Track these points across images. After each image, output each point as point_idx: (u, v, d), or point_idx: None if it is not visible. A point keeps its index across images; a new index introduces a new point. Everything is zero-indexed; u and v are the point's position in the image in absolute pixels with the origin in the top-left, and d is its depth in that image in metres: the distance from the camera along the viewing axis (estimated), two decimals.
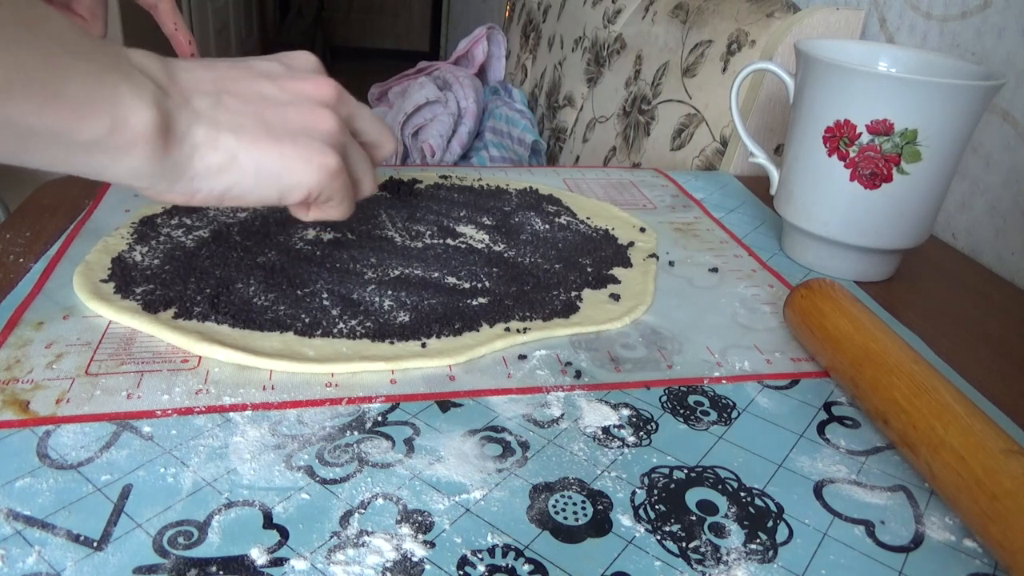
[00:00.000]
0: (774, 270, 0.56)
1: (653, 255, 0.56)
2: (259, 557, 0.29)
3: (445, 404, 0.39)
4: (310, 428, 0.36)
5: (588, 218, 0.62)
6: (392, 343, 0.43)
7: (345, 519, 0.31)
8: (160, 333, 0.42)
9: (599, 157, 1.14)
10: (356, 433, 0.36)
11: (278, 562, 0.29)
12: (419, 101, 1.41)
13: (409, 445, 0.36)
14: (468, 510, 0.32)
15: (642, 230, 0.61)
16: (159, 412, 0.37)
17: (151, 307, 0.44)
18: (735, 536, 0.32)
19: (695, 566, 0.31)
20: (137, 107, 0.33)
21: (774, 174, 0.61)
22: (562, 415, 0.39)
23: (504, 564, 0.30)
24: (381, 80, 1.70)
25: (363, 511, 0.32)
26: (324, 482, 0.33)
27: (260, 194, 0.39)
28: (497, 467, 0.35)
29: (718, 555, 0.31)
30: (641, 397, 0.41)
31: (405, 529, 0.31)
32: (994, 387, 0.44)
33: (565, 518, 0.32)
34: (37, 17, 0.31)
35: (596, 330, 0.46)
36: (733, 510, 0.34)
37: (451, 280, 0.50)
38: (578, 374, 0.42)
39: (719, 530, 0.32)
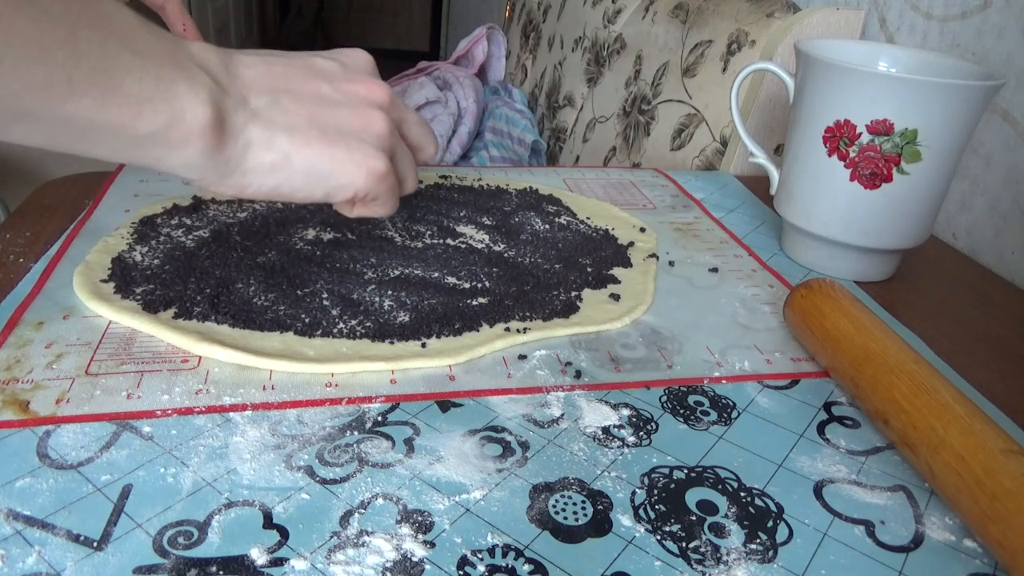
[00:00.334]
0: (774, 270, 0.56)
1: (653, 255, 0.56)
2: (259, 557, 0.29)
3: (445, 404, 0.39)
4: (310, 428, 0.36)
5: (588, 218, 0.62)
6: (392, 343, 0.43)
7: (345, 519, 0.31)
8: (160, 333, 0.42)
9: (599, 157, 1.14)
10: (356, 433, 0.36)
11: (278, 562, 0.29)
12: (419, 101, 1.41)
13: (409, 445, 0.36)
14: (468, 510, 0.32)
15: (642, 230, 0.61)
16: (159, 412, 0.37)
17: (151, 307, 0.44)
18: (735, 536, 0.32)
19: (695, 566, 0.31)
20: (193, 104, 0.34)
21: (774, 174, 0.61)
22: (562, 415, 0.39)
23: (504, 564, 0.30)
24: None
25: (363, 511, 0.32)
26: (324, 482, 0.33)
27: (308, 192, 0.40)
28: (497, 467, 0.35)
29: (718, 555, 0.31)
30: (641, 397, 0.41)
31: (405, 529, 0.31)
32: (994, 387, 0.44)
33: (565, 518, 0.32)
34: (103, 14, 0.32)
35: (596, 330, 0.46)
36: (733, 510, 0.34)
37: (451, 280, 0.50)
38: (578, 374, 0.42)
39: (719, 530, 0.32)
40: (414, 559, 0.30)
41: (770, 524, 0.33)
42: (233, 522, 0.31)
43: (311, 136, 0.39)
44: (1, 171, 1.86)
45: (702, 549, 0.31)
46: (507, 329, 0.45)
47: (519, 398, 0.40)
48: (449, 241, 0.55)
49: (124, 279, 0.46)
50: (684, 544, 0.32)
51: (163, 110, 0.33)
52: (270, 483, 0.33)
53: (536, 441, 0.37)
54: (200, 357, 0.41)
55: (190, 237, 0.52)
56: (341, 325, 0.44)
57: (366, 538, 0.30)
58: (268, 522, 0.31)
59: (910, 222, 0.53)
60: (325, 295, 0.46)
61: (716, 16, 0.94)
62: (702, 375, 0.43)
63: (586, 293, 0.50)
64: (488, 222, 0.59)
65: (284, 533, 0.30)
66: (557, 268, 0.53)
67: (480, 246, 0.55)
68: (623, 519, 0.33)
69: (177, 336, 0.42)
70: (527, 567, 0.30)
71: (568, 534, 0.32)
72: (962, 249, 0.69)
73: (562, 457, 0.36)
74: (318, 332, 0.43)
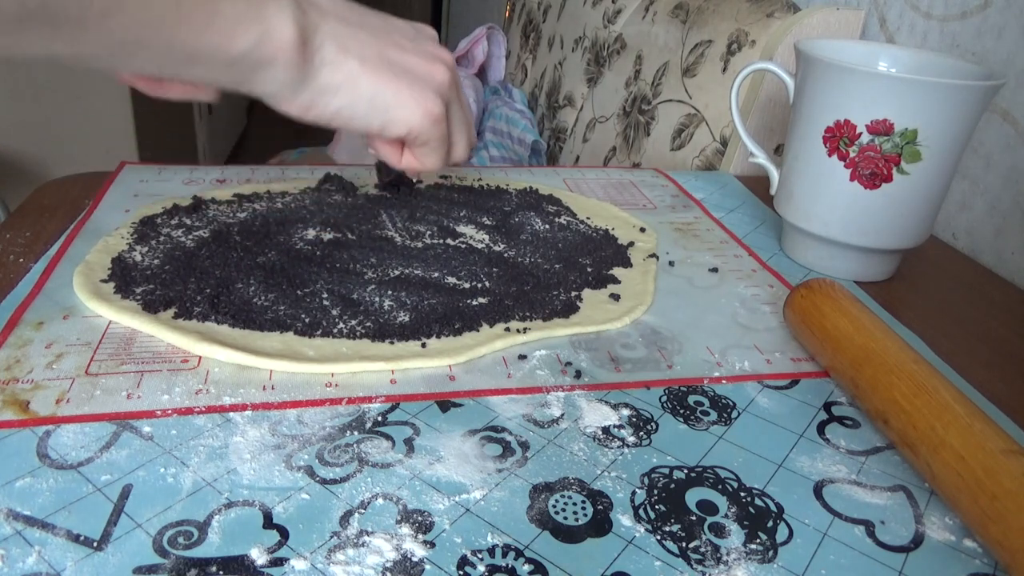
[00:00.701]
0: (774, 270, 0.56)
1: (653, 255, 0.56)
2: (259, 557, 0.29)
3: (445, 404, 0.39)
4: (310, 428, 0.36)
5: (588, 218, 0.62)
6: (392, 343, 0.43)
7: (345, 519, 0.31)
8: (160, 333, 0.42)
9: (599, 157, 1.14)
10: (356, 433, 0.36)
11: (278, 562, 0.29)
12: None
13: (409, 445, 0.36)
14: (468, 510, 0.32)
15: (642, 230, 0.60)
16: (159, 412, 0.37)
17: (151, 307, 0.44)
18: (735, 536, 0.32)
19: (695, 566, 0.31)
20: (280, 23, 0.38)
21: (774, 174, 0.61)
22: (562, 415, 0.39)
23: (504, 564, 0.30)
24: None
25: (363, 511, 0.32)
26: (324, 482, 0.33)
27: (367, 121, 0.43)
28: (497, 467, 0.35)
29: (718, 555, 0.31)
30: (641, 397, 0.41)
31: (405, 529, 0.31)
32: (994, 387, 0.44)
33: (565, 518, 0.32)
34: None
35: (596, 330, 0.46)
36: (733, 510, 0.34)
37: (451, 280, 0.50)
38: (578, 374, 0.42)
39: (719, 530, 0.32)
40: (414, 559, 0.30)
41: (770, 524, 0.33)
42: (233, 522, 0.31)
43: (379, 67, 0.42)
44: (1, 171, 1.86)
45: (702, 549, 0.31)
46: (507, 329, 0.45)
47: (519, 398, 0.40)
48: (449, 241, 0.55)
49: (124, 279, 0.46)
50: (684, 544, 0.32)
51: (254, 30, 0.37)
52: (270, 483, 0.33)
53: (536, 441, 0.37)
54: (200, 357, 0.41)
55: (190, 237, 0.52)
56: (341, 325, 0.44)
57: (366, 538, 0.30)
58: (268, 522, 0.31)
59: (910, 222, 0.53)
60: (325, 295, 0.46)
61: (716, 16, 0.94)
62: (702, 375, 0.43)
63: (586, 293, 0.50)
64: (488, 222, 0.59)
65: (284, 533, 0.30)
66: (557, 268, 0.53)
67: (480, 246, 0.55)
68: (623, 519, 0.33)
69: (177, 336, 0.42)
70: (527, 567, 0.30)
71: (568, 534, 0.32)
72: (962, 249, 0.69)
73: (562, 457, 0.36)
74: (318, 332, 0.43)
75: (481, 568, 0.30)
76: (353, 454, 0.35)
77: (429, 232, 0.56)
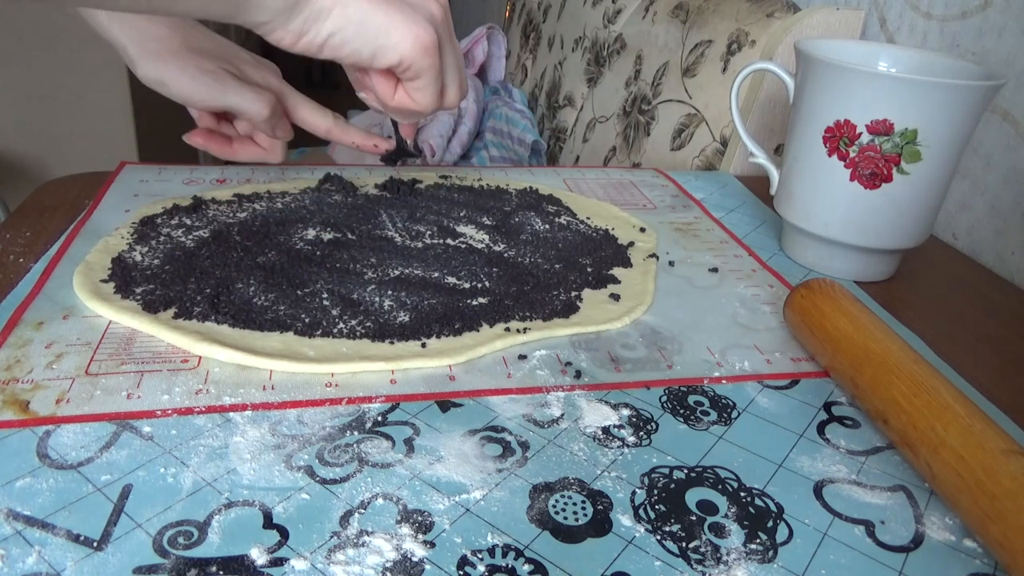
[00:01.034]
0: (774, 270, 0.56)
1: (653, 255, 0.56)
2: (259, 557, 0.29)
3: (445, 404, 0.39)
4: (310, 428, 0.36)
5: (588, 218, 0.62)
6: (392, 343, 0.43)
7: (345, 519, 0.31)
8: (160, 333, 0.42)
9: (599, 157, 1.14)
10: (356, 433, 0.36)
11: (278, 562, 0.29)
12: None
13: (409, 445, 0.36)
14: (468, 510, 0.32)
15: (642, 230, 0.60)
16: (159, 412, 0.37)
17: (151, 307, 0.44)
18: (735, 536, 0.32)
19: (695, 566, 0.31)
20: None
21: (774, 174, 0.61)
22: (562, 415, 0.39)
23: (504, 564, 0.30)
24: None
25: (363, 511, 0.32)
26: (324, 482, 0.33)
27: (357, 47, 0.43)
28: (497, 467, 0.35)
29: (718, 555, 0.31)
30: (641, 397, 0.41)
31: (405, 529, 0.31)
32: (994, 387, 0.44)
33: (565, 518, 0.32)
34: None
35: (596, 330, 0.46)
36: (733, 510, 0.34)
37: (451, 280, 0.50)
38: (578, 374, 0.42)
39: (719, 530, 0.32)
40: (414, 559, 0.30)
41: (770, 524, 0.33)
42: (233, 522, 0.31)
43: None
44: (1, 171, 1.86)
45: (702, 549, 0.31)
46: (507, 329, 0.45)
47: (519, 398, 0.40)
48: (449, 241, 0.55)
49: (124, 279, 0.46)
50: (684, 544, 0.32)
51: None
52: (270, 483, 0.33)
53: (536, 441, 0.37)
54: (200, 357, 0.41)
55: (190, 237, 0.52)
56: (341, 325, 0.44)
57: (366, 538, 0.30)
58: (268, 522, 0.31)
59: (910, 222, 0.53)
60: (325, 295, 0.46)
61: (716, 16, 0.94)
62: (702, 375, 0.43)
63: (586, 293, 0.50)
64: (488, 222, 0.59)
65: (284, 533, 0.30)
66: (557, 268, 0.53)
67: (480, 246, 0.55)
68: (623, 519, 0.33)
69: (177, 336, 0.42)
70: (527, 567, 0.30)
71: (568, 534, 0.32)
72: (962, 249, 0.69)
73: (562, 457, 0.36)
74: (318, 332, 0.43)
75: (481, 568, 0.30)
76: (353, 454, 0.35)
77: (429, 232, 0.56)
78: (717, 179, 0.75)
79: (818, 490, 0.35)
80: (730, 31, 0.90)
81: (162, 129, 2.15)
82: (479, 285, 0.50)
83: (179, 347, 0.41)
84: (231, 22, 0.40)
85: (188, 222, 0.54)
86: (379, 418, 0.37)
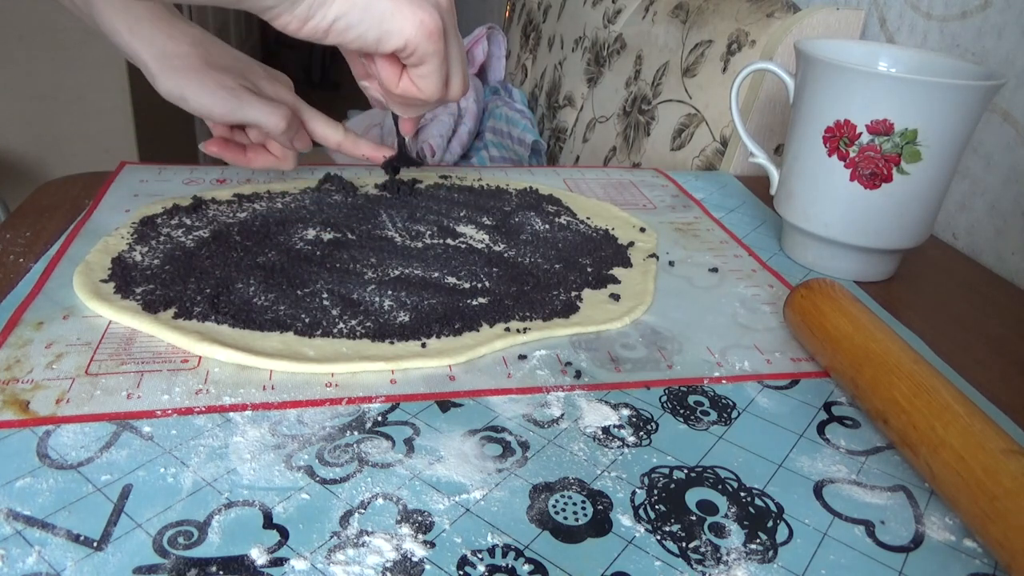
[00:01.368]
0: (774, 270, 0.56)
1: (653, 255, 0.56)
2: (259, 557, 0.29)
3: (445, 404, 0.39)
4: (310, 428, 0.36)
5: (588, 218, 0.62)
6: (392, 343, 0.43)
7: (345, 519, 0.31)
8: (160, 333, 0.42)
9: (599, 157, 1.14)
10: (356, 433, 0.36)
11: (278, 562, 0.29)
12: None
13: (409, 445, 0.36)
14: (468, 510, 0.32)
15: (642, 230, 0.60)
16: (159, 412, 0.37)
17: (151, 307, 0.44)
18: (735, 536, 0.32)
19: (695, 566, 0.31)
20: None
21: (774, 174, 0.61)
22: (562, 415, 0.39)
23: (504, 564, 0.30)
24: None
25: (363, 511, 0.32)
26: (324, 482, 0.33)
27: (362, 31, 0.43)
28: (497, 467, 0.35)
29: (718, 555, 0.31)
30: (641, 397, 0.41)
31: (405, 529, 0.31)
32: (994, 387, 0.44)
33: (565, 518, 0.32)
34: None
35: (596, 330, 0.46)
36: (733, 510, 0.34)
37: (451, 280, 0.50)
38: (578, 374, 0.42)
39: (719, 530, 0.32)
40: (414, 559, 0.30)
41: (770, 524, 0.33)
42: (233, 522, 0.31)
43: None
44: (1, 171, 1.86)
45: (702, 549, 0.31)
46: (507, 329, 0.45)
47: (519, 398, 0.40)
48: (449, 241, 0.55)
49: (124, 279, 0.46)
50: (684, 544, 0.32)
51: None
52: (270, 483, 0.33)
53: (536, 441, 0.37)
54: (200, 357, 0.41)
55: (190, 237, 0.52)
56: (341, 325, 0.44)
57: (366, 538, 0.30)
58: (268, 522, 0.31)
59: (910, 222, 0.53)
60: (325, 295, 0.46)
61: (716, 16, 0.94)
62: (702, 375, 0.43)
63: (586, 293, 0.50)
64: (488, 222, 0.59)
65: (284, 533, 0.30)
66: (557, 268, 0.53)
67: (480, 246, 0.55)
68: (623, 519, 0.33)
69: (177, 336, 0.42)
70: (527, 567, 0.30)
71: (568, 534, 0.32)
72: (962, 249, 0.69)
73: (562, 457, 0.36)
74: (318, 332, 0.43)
75: (481, 568, 0.30)
76: (353, 454, 0.35)
77: (429, 232, 0.56)
78: (717, 179, 0.75)
79: (818, 490, 0.35)
80: (730, 31, 0.90)
81: (162, 129, 2.15)
82: (479, 285, 0.50)
83: (179, 347, 0.41)
84: (238, 8, 0.40)
85: (188, 222, 0.54)
86: (379, 418, 0.37)
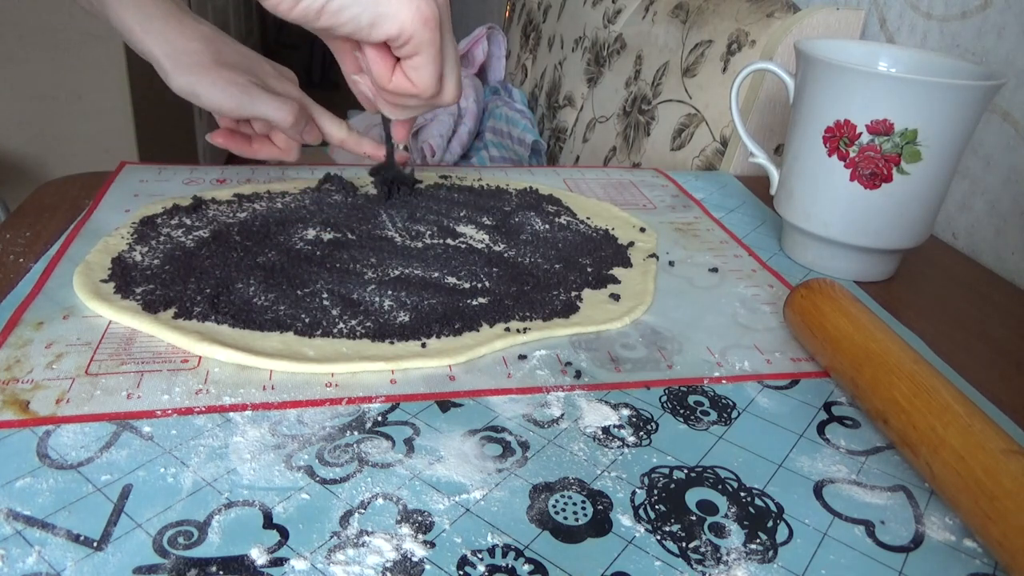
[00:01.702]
0: (774, 270, 0.56)
1: (653, 255, 0.56)
2: (259, 557, 0.29)
3: (445, 404, 0.39)
4: (310, 428, 0.36)
5: (588, 218, 0.62)
6: (392, 343, 0.43)
7: (345, 519, 0.31)
8: (160, 333, 0.42)
9: (599, 157, 1.14)
10: (356, 433, 0.36)
11: (278, 562, 0.29)
12: None
13: (409, 445, 0.36)
14: (468, 510, 0.32)
15: (642, 230, 0.60)
16: (159, 412, 0.37)
17: (151, 307, 0.44)
18: (735, 536, 0.32)
19: (695, 566, 0.31)
20: None
21: (774, 174, 0.61)
22: (562, 415, 0.39)
23: (504, 564, 0.30)
24: None
25: (363, 511, 0.32)
26: (324, 482, 0.33)
27: (356, 13, 0.42)
28: (497, 467, 0.35)
29: (718, 555, 0.31)
30: (641, 397, 0.41)
31: (405, 529, 0.31)
32: (994, 387, 0.44)
33: (565, 518, 0.32)
34: None
35: (596, 330, 0.46)
36: (733, 510, 0.34)
37: (451, 280, 0.50)
38: (578, 374, 0.42)
39: (719, 530, 0.32)
40: (414, 559, 0.30)
41: (770, 524, 0.33)
42: (233, 522, 0.31)
43: None
44: (1, 171, 1.86)
45: (702, 549, 0.31)
46: (507, 329, 0.45)
47: (519, 398, 0.40)
48: (449, 241, 0.55)
49: (124, 279, 0.46)
50: (684, 544, 0.32)
51: None
52: (270, 483, 0.33)
53: (536, 441, 0.37)
54: (200, 357, 0.41)
55: (190, 237, 0.52)
56: (341, 325, 0.44)
57: (366, 538, 0.30)
58: (268, 522, 0.31)
59: (910, 222, 0.53)
60: (325, 295, 0.46)
61: (716, 16, 0.94)
62: (702, 375, 0.43)
63: (586, 293, 0.50)
64: (488, 222, 0.59)
65: (284, 533, 0.30)
66: (557, 268, 0.53)
67: (480, 246, 0.55)
68: (623, 519, 0.33)
69: (177, 336, 0.42)
70: (527, 567, 0.30)
71: (568, 534, 0.32)
72: (962, 249, 0.69)
73: (562, 457, 0.36)
74: (318, 332, 0.43)
75: (481, 568, 0.30)
76: (353, 454, 0.35)
77: (429, 232, 0.56)
78: (717, 179, 0.75)
79: (818, 490, 0.35)
80: (730, 31, 0.90)
81: (162, 129, 2.15)
82: (479, 285, 0.50)
83: (179, 347, 0.41)
84: None
85: (188, 222, 0.54)
86: (379, 418, 0.38)
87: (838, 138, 0.52)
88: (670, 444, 0.37)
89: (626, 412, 0.39)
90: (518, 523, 0.32)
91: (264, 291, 0.46)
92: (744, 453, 0.37)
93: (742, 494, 0.35)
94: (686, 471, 0.36)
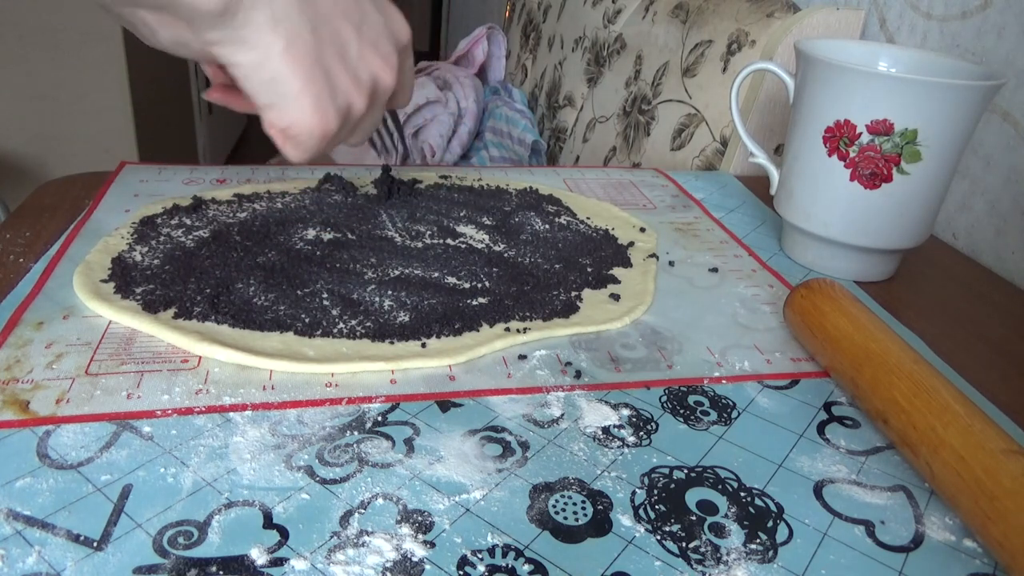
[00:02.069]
0: (774, 270, 0.56)
1: (653, 255, 0.56)
2: (259, 557, 0.29)
3: (445, 404, 0.39)
4: (310, 428, 0.36)
5: (588, 218, 0.62)
6: (392, 343, 0.43)
7: (345, 519, 0.31)
8: (160, 333, 0.42)
9: (599, 157, 1.14)
10: (356, 433, 0.36)
11: (278, 562, 0.29)
12: (419, 101, 1.41)
13: (409, 445, 0.36)
14: (468, 510, 0.32)
15: (642, 230, 0.61)
16: (159, 412, 0.37)
17: (151, 307, 0.44)
18: (735, 536, 0.32)
19: (695, 566, 0.31)
20: None
21: (774, 174, 0.61)
22: (562, 415, 0.39)
23: (504, 564, 0.30)
24: None
25: (363, 511, 0.32)
26: (324, 482, 0.33)
27: (255, 90, 0.41)
28: (497, 467, 0.35)
29: (718, 555, 0.31)
30: (641, 397, 0.41)
31: (405, 529, 0.31)
32: (994, 387, 0.44)
33: (565, 518, 0.32)
34: None
35: (596, 330, 0.46)
36: (733, 510, 0.34)
37: (451, 280, 0.50)
38: (578, 374, 0.42)
39: (719, 530, 0.32)
40: (414, 559, 0.30)
41: (770, 524, 0.33)
42: (233, 522, 0.31)
43: (303, 58, 0.40)
44: (1, 171, 1.86)
45: (702, 549, 0.31)
46: (507, 329, 0.45)
47: (519, 398, 0.40)
48: (449, 241, 0.55)
49: (124, 279, 0.46)
50: (684, 544, 0.32)
51: None
52: (270, 483, 0.33)
53: (536, 441, 0.37)
54: (200, 357, 0.41)
55: (190, 237, 0.52)
56: (341, 325, 0.44)
57: (366, 538, 0.30)
58: (268, 522, 0.31)
59: (910, 222, 0.53)
60: (325, 295, 0.46)
61: (716, 16, 0.94)
62: (702, 375, 0.43)
63: (586, 293, 0.50)
64: (488, 222, 0.59)
65: (284, 533, 0.30)
66: (557, 268, 0.53)
67: (480, 246, 0.55)
68: (623, 519, 0.33)
69: (177, 336, 0.42)
70: (527, 567, 0.30)
71: (568, 534, 0.32)
72: (962, 249, 0.69)
73: (562, 457, 0.36)
74: (318, 332, 0.43)
75: (481, 568, 0.30)
76: (353, 454, 0.35)
77: (429, 232, 0.56)
78: (717, 179, 0.75)
79: (818, 490, 0.35)
80: (730, 31, 0.90)
81: (162, 129, 2.15)
82: (479, 285, 0.50)
83: (179, 347, 0.41)
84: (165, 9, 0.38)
85: (188, 222, 0.54)
86: (379, 418, 0.38)
87: (838, 138, 0.52)
88: (670, 444, 0.37)
89: (626, 412, 0.39)
90: (518, 523, 0.32)
91: (264, 291, 0.46)
92: (744, 453, 0.37)
93: (742, 494, 0.35)
94: (686, 471, 0.36)
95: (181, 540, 0.30)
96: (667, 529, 0.32)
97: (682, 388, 0.42)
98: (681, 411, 0.40)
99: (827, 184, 0.54)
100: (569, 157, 1.27)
